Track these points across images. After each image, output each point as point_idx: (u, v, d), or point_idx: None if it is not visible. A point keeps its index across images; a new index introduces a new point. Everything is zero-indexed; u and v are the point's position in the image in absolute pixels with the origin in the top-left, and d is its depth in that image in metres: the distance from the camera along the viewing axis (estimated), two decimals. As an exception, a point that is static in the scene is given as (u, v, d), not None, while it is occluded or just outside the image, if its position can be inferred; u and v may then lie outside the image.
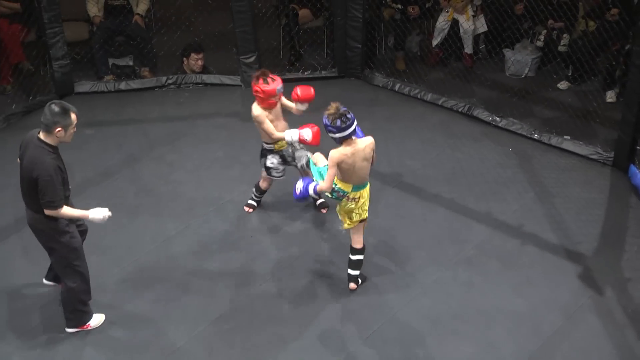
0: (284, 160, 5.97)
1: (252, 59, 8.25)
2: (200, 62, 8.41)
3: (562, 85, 8.21)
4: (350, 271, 5.49)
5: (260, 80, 5.69)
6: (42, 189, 4.67)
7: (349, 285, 5.49)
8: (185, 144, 7.35)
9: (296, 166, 5.98)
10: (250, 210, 6.29)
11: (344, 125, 5.05)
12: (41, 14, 7.75)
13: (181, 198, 6.51)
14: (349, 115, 5.06)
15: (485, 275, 5.65)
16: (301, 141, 5.69)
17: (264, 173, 6.02)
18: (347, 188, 5.27)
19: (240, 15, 8.05)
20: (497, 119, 7.58)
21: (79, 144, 7.17)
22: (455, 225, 6.15)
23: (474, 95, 8.03)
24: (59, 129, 4.68)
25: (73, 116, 4.71)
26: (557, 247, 5.91)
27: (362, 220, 5.40)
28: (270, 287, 5.55)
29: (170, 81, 8.41)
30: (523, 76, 8.48)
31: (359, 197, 5.31)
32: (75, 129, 4.76)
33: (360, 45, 8.34)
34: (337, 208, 5.40)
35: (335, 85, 8.38)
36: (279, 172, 5.97)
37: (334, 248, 5.88)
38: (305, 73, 8.51)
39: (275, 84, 5.71)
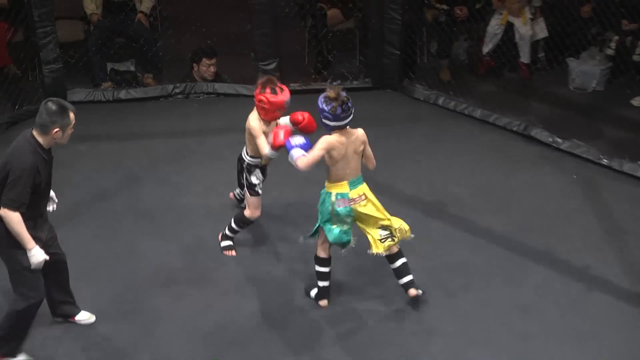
0: (264, 175, 6.06)
1: (272, 66, 8.26)
2: (212, 69, 8.44)
3: (637, 101, 8.13)
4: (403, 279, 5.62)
5: (268, 90, 5.68)
6: (9, 184, 4.73)
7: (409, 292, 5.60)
8: (193, 162, 7.34)
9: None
10: (233, 252, 6.20)
11: (343, 115, 5.19)
12: (31, 11, 7.83)
13: (187, 226, 6.48)
14: (350, 104, 5.20)
15: (544, 325, 5.57)
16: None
17: (246, 194, 5.98)
18: (344, 188, 5.37)
19: (260, 15, 8.08)
20: (559, 140, 7.53)
21: (70, 161, 7.22)
22: (509, 265, 6.08)
23: (531, 112, 7.98)
24: (57, 129, 4.78)
25: (72, 115, 4.82)
26: (629, 294, 5.82)
27: (388, 229, 5.47)
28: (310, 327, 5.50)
29: (177, 90, 8.44)
30: (590, 90, 8.43)
31: (363, 195, 5.40)
32: (72, 130, 4.87)
33: (398, 52, 8.33)
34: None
35: (368, 97, 8.35)
36: (261, 189, 6.00)
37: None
38: (334, 83, 8.48)
39: (284, 95, 5.72)
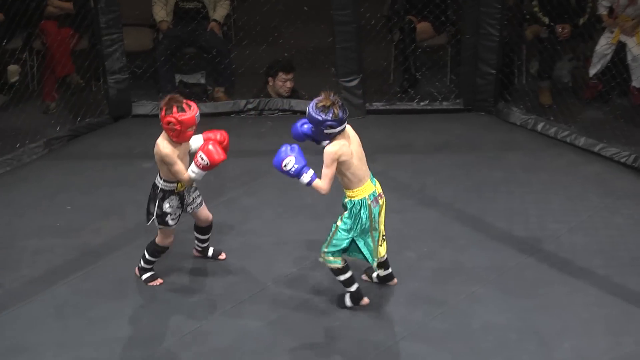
0: (182, 204, 6.04)
1: (354, 83, 8.32)
2: (289, 84, 8.53)
3: None
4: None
5: (175, 109, 5.70)
6: None
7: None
8: (264, 186, 7.44)
9: (189, 212, 6.12)
10: (159, 281, 6.24)
11: (345, 115, 5.46)
12: (97, 17, 8.04)
13: (255, 253, 6.57)
14: (341, 102, 5.45)
15: (649, 380, 5.51)
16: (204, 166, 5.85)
17: (156, 223, 6.02)
18: (370, 187, 5.63)
19: (343, 27, 8.15)
20: (672, 174, 7.45)
21: (133, 180, 7.40)
22: (611, 312, 6.02)
23: (641, 143, 7.92)
24: None
25: None
26: None
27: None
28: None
29: (250, 106, 8.55)
30: None
31: (382, 192, 5.71)
32: None
33: (494, 71, 8.33)
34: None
35: (458, 120, 8.37)
36: (174, 220, 6.01)
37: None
38: (422, 103, 8.54)
39: (192, 110, 5.74)
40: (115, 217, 7.00)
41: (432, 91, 8.64)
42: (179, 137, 5.78)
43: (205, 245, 6.41)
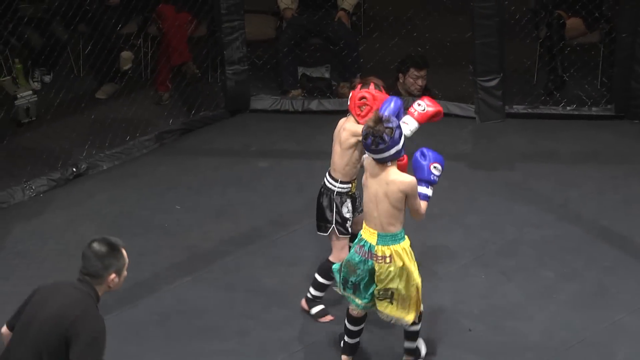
0: (354, 208, 5.97)
1: (494, 83, 8.25)
2: (420, 82, 8.50)
3: None
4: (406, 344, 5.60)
5: (372, 85, 5.76)
6: (81, 350, 4.39)
7: None
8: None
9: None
10: (328, 317, 6.14)
11: (374, 147, 5.13)
12: (218, 2, 8.14)
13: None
14: (386, 137, 5.10)
15: None
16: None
17: (336, 231, 5.90)
18: (371, 238, 5.34)
19: (484, 21, 8.08)
20: None
21: (248, 180, 7.49)
22: None
23: None
24: (113, 275, 4.54)
25: (124, 252, 4.61)
26: None
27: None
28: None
29: (378, 104, 8.55)
30: None
31: (391, 256, 5.35)
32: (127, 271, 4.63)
33: (652, 74, 8.16)
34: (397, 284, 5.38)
35: (609, 128, 8.23)
36: (350, 225, 5.94)
37: None
38: (568, 108, 8.41)
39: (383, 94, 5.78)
40: (227, 219, 7.09)
41: (580, 95, 8.50)
42: (365, 117, 5.70)
43: None
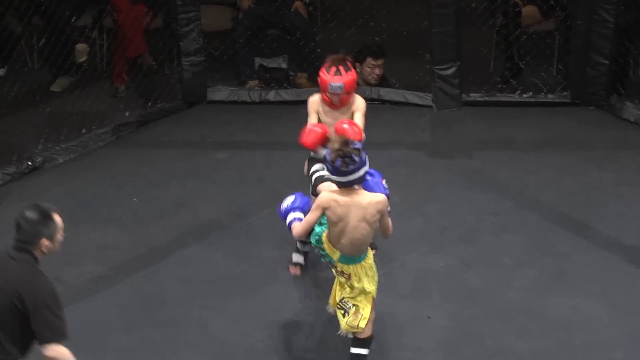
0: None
1: (451, 71, 8.30)
2: (377, 71, 8.53)
3: None
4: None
5: (333, 68, 5.92)
6: (44, 316, 4.54)
7: None
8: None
9: None
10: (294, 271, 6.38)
11: (344, 169, 5.06)
12: (173, -7, 8.12)
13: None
14: (356, 158, 5.07)
15: None
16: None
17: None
18: (333, 254, 5.28)
19: (440, 10, 8.12)
20: None
21: (207, 172, 7.50)
22: None
23: None
24: (46, 241, 4.61)
25: (57, 218, 4.67)
26: None
27: (355, 306, 5.34)
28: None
29: (335, 94, 8.56)
30: None
31: (349, 274, 5.27)
32: (63, 234, 4.70)
33: (607, 62, 8.22)
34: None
35: (565, 115, 8.29)
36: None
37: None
38: (525, 95, 8.47)
39: (338, 78, 5.90)
40: (185, 211, 7.09)
41: (536, 82, 8.55)
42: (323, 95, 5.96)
43: None
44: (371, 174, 5.36)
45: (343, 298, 5.34)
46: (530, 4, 8.78)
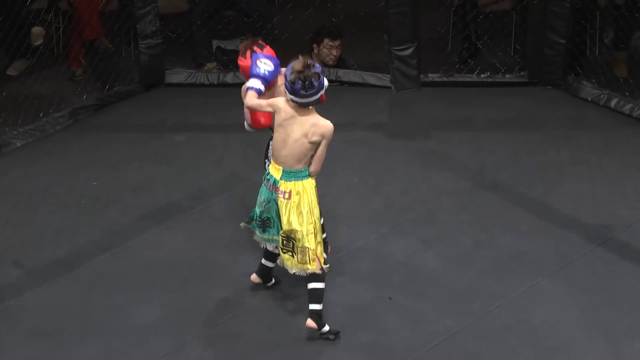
0: None
1: (408, 52, 8.31)
2: (335, 52, 8.53)
3: None
4: (311, 306, 5.64)
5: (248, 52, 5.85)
6: None
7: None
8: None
9: None
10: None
11: (303, 92, 5.32)
12: (129, -25, 8.07)
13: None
14: (315, 82, 5.32)
15: None
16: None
17: None
18: (276, 173, 5.52)
19: (397, -10, 8.15)
20: None
21: (165, 154, 7.47)
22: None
23: None
24: None
25: None
26: None
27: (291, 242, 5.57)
28: None
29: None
30: None
31: (290, 193, 5.50)
32: None
33: (563, 41, 8.27)
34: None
35: (523, 95, 8.34)
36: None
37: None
38: (482, 75, 8.51)
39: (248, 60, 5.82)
40: (144, 194, 7.07)
41: (494, 62, 8.60)
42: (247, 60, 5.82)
43: None
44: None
45: (287, 237, 5.55)
46: (487, -17, 8.83)
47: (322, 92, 5.41)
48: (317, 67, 5.36)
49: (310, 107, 5.43)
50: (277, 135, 5.51)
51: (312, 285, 5.61)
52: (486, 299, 6.02)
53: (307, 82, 5.31)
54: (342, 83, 8.54)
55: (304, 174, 5.52)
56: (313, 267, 5.56)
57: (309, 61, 5.37)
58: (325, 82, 5.42)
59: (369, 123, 8.00)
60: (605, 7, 8.71)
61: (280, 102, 5.48)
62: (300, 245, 5.55)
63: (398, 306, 5.98)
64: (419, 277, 6.20)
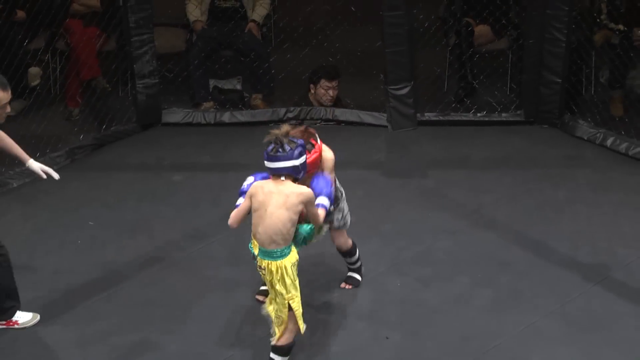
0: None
1: (405, 91, 8.35)
2: (331, 93, 8.57)
3: None
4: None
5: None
6: None
7: None
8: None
9: None
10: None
11: (272, 153, 5.17)
12: (126, 16, 8.13)
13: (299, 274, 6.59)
14: (287, 147, 5.16)
15: None
16: None
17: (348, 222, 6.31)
18: (254, 247, 5.37)
19: (393, 29, 8.18)
20: None
21: (162, 193, 7.48)
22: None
23: None
24: None
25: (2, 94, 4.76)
26: None
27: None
28: None
29: (290, 115, 8.60)
30: None
31: (265, 270, 5.33)
32: (9, 109, 4.82)
33: (559, 80, 8.32)
34: None
35: (519, 134, 8.37)
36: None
37: None
38: (479, 114, 8.54)
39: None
40: (141, 234, 7.06)
41: (490, 101, 8.64)
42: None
43: None
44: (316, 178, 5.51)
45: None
46: (483, 23, 8.89)
47: (296, 164, 5.18)
48: (299, 141, 5.21)
49: (282, 178, 5.24)
50: (254, 215, 5.30)
51: (273, 356, 5.49)
52: (484, 338, 6.00)
53: (277, 145, 5.15)
54: (339, 122, 8.57)
55: (279, 254, 5.30)
56: (276, 335, 5.42)
57: (293, 132, 5.30)
58: (304, 161, 5.24)
59: (366, 162, 8.02)
60: (600, 46, 8.76)
61: (254, 185, 5.35)
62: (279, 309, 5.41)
63: (395, 345, 5.96)
64: (416, 316, 6.18)
